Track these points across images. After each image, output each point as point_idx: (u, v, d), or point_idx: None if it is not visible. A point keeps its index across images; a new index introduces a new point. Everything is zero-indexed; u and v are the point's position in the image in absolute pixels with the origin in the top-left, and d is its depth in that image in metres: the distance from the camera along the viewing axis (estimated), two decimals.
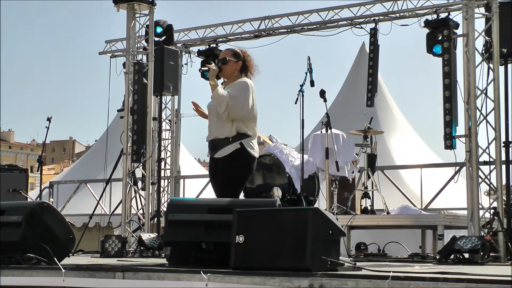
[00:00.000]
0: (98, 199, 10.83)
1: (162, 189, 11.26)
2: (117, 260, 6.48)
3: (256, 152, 6.33)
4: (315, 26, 12.25)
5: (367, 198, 9.41)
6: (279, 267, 4.34)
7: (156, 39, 10.24)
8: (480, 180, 6.99)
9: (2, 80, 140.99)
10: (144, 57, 9.39)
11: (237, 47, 6.75)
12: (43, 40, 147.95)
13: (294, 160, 9.13)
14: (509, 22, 7.37)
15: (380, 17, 11.68)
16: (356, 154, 9.51)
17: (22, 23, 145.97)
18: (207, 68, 6.35)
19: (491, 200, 7.23)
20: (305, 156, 8.65)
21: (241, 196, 6.89)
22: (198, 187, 13.40)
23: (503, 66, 7.41)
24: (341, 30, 12.09)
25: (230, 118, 6.21)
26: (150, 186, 9.35)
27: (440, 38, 8.70)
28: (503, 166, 7.17)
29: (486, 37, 7.21)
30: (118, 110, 11.05)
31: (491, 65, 7.15)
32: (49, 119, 10.05)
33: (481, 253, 6.18)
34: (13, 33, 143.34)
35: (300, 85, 7.91)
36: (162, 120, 11.73)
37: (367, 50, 11.99)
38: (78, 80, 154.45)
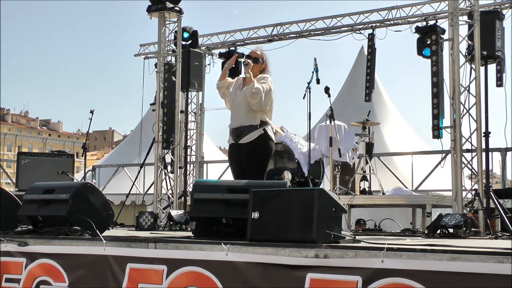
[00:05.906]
0: (133, 181, 10.85)
1: (188, 172, 11.28)
2: (150, 233, 6.49)
3: (274, 137, 6.32)
4: (320, 32, 12.22)
5: (365, 181, 9.38)
6: (289, 239, 4.32)
7: (183, 43, 10.24)
8: (463, 165, 6.95)
9: (56, 78, 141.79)
10: (173, 59, 9.37)
11: (260, 49, 6.65)
12: (87, 45, 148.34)
13: (302, 148, 9.12)
14: (488, 28, 7.30)
15: (377, 24, 11.63)
16: (356, 142, 9.49)
17: (72, 32, 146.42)
18: (246, 63, 6.33)
19: (473, 183, 7.20)
20: (312, 144, 8.63)
21: None
22: (219, 171, 13.41)
23: (483, 67, 7.35)
24: (343, 35, 12.06)
25: (258, 109, 6.20)
26: (178, 169, 9.38)
27: (428, 42, 8.63)
28: (483, 154, 7.12)
29: (468, 41, 7.15)
30: (151, 104, 11.06)
31: (473, 66, 7.09)
32: (91, 112, 10.05)
33: (464, 228, 6.14)
34: (66, 39, 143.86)
35: (308, 83, 7.87)
36: (188, 112, 11.74)
37: (366, 52, 11.94)
38: (116, 78, 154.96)
